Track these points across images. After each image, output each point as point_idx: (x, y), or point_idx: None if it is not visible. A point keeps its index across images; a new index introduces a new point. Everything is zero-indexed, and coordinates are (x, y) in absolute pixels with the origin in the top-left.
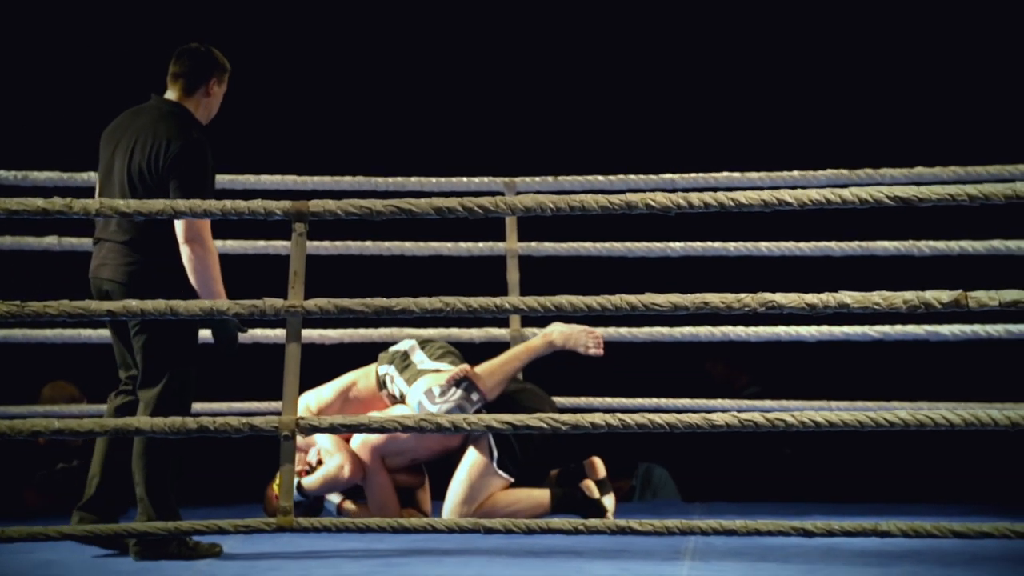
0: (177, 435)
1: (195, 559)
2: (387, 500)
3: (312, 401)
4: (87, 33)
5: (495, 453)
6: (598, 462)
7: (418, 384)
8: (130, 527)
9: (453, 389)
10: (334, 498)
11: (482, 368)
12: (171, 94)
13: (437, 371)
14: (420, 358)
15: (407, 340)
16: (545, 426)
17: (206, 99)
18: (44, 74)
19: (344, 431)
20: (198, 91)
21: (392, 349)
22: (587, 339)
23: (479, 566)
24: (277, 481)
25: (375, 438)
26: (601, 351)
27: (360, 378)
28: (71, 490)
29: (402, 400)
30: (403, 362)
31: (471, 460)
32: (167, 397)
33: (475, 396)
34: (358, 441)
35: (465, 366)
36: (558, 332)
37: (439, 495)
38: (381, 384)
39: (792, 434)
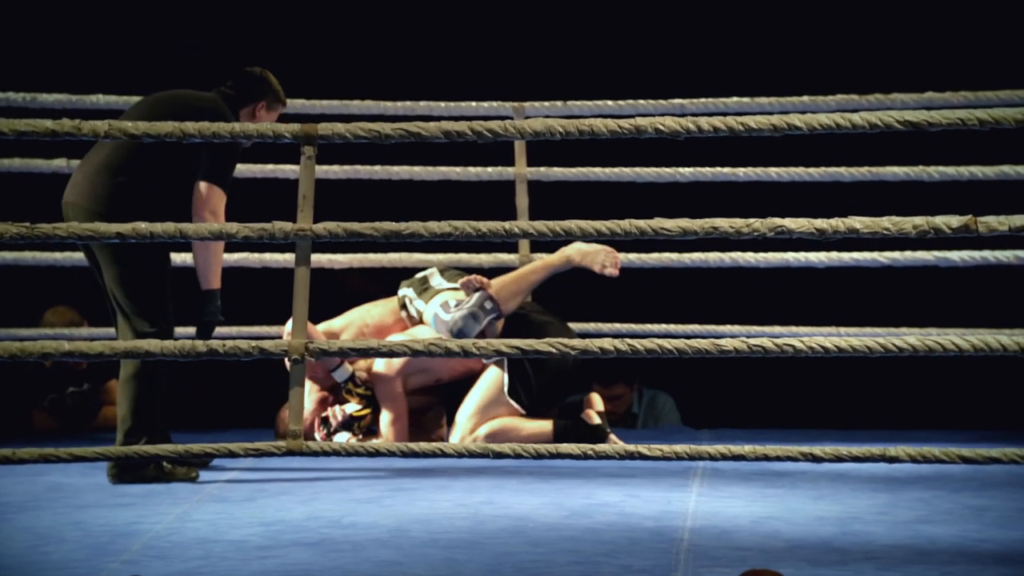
0: (187, 358)
1: (171, 482)
2: (401, 420)
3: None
4: None
5: (507, 380)
6: (596, 397)
7: (435, 300)
8: (140, 449)
9: (467, 298)
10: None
11: (498, 280)
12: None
13: (454, 289)
14: (438, 281)
15: (428, 268)
16: (554, 350)
17: (251, 120)
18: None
19: (353, 355)
20: (245, 109)
21: (415, 277)
22: (605, 258)
23: (488, 491)
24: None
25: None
26: (617, 271)
27: (377, 305)
28: (81, 413)
29: (421, 321)
30: (422, 285)
31: (485, 383)
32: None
33: (488, 304)
34: (382, 361)
35: (480, 276)
36: (576, 248)
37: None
38: (402, 306)
39: (801, 360)
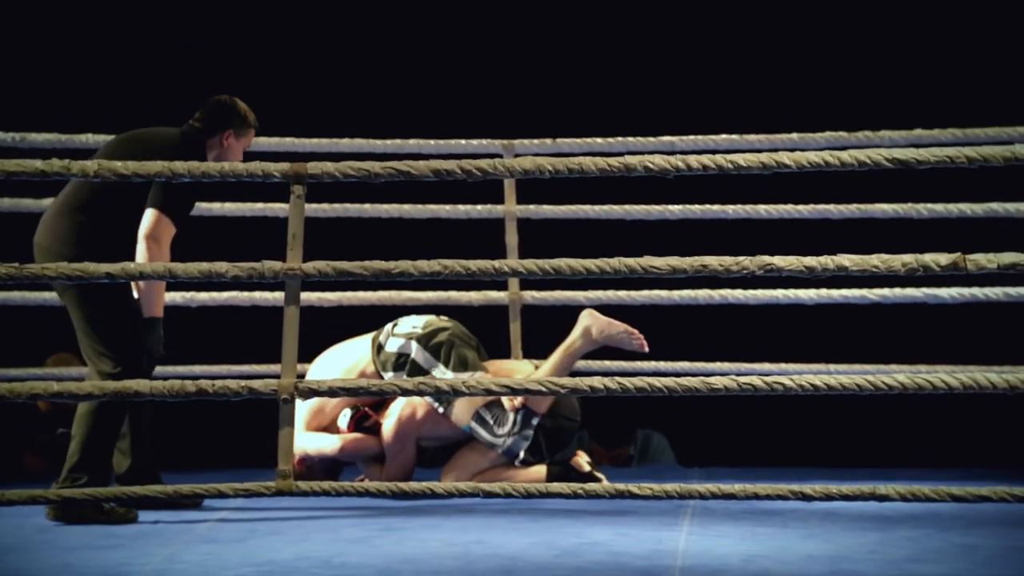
0: (176, 399)
1: (112, 524)
2: (405, 475)
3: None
4: None
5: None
6: (582, 452)
7: (461, 405)
8: (128, 491)
9: (511, 418)
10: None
11: (541, 376)
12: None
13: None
14: (432, 365)
15: (394, 337)
16: (544, 389)
17: (220, 149)
18: (43, 35)
19: (342, 395)
20: (212, 139)
21: (387, 350)
22: (631, 340)
23: (477, 530)
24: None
25: (412, 417)
26: (646, 347)
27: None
28: None
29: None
30: (414, 371)
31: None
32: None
33: (534, 421)
34: (393, 420)
35: (518, 397)
36: (595, 326)
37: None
38: (380, 366)
39: (790, 397)
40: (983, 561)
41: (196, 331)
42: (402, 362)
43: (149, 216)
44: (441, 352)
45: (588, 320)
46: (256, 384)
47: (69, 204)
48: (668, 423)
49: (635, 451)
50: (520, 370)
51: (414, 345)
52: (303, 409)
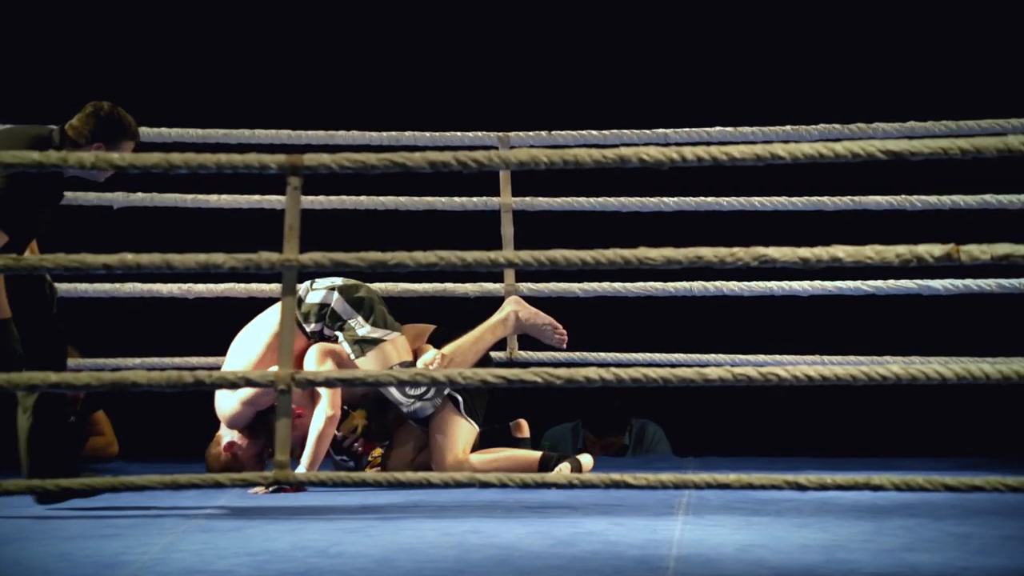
0: (173, 389)
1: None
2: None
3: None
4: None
5: (462, 402)
6: (523, 424)
7: (371, 356)
8: (127, 481)
9: (423, 390)
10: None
11: (450, 351)
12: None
13: (384, 340)
14: (360, 329)
15: (313, 291)
16: (539, 380)
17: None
18: (36, 29)
19: (340, 384)
20: (81, 148)
21: (308, 301)
22: (553, 333)
23: (474, 520)
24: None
25: (339, 352)
26: (564, 344)
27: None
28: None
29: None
30: (334, 320)
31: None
32: None
33: (446, 390)
34: (316, 353)
35: (437, 356)
36: (522, 312)
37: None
38: (309, 336)
39: (785, 388)
40: (977, 550)
41: (193, 322)
42: (323, 313)
43: None
44: (362, 305)
45: (515, 306)
46: (253, 375)
47: None
48: (663, 413)
49: (630, 441)
50: (425, 335)
51: (335, 295)
52: (234, 399)
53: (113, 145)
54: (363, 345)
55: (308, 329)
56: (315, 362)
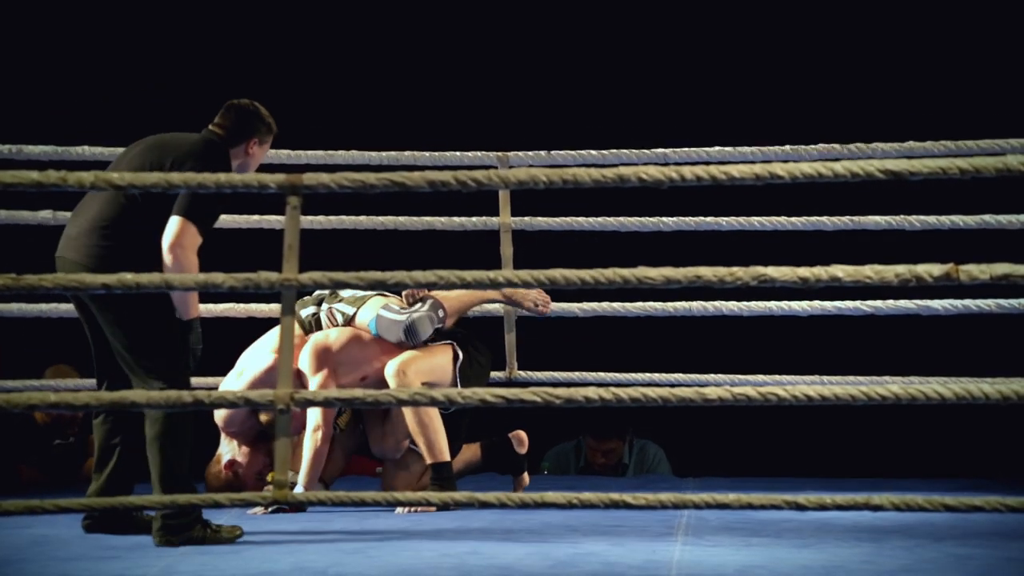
0: (173, 409)
1: (218, 543)
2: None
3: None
4: (83, 5)
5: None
6: (523, 436)
7: (371, 303)
8: (126, 501)
9: (419, 304)
10: None
11: (441, 294)
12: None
13: (382, 295)
14: (348, 293)
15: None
16: (539, 400)
17: (244, 158)
18: (39, 47)
19: (338, 404)
20: (236, 148)
21: (311, 295)
22: (536, 296)
23: (474, 540)
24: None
25: (328, 345)
26: (547, 310)
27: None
28: (68, 466)
29: (348, 324)
30: (334, 296)
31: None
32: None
33: (440, 312)
34: (308, 353)
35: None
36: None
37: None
38: (308, 328)
39: (785, 408)
40: (977, 572)
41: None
42: (317, 299)
43: (174, 224)
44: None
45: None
46: (252, 394)
47: (98, 217)
48: (663, 434)
49: (630, 460)
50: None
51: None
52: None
53: (264, 140)
54: (357, 300)
55: (303, 315)
56: (308, 359)
